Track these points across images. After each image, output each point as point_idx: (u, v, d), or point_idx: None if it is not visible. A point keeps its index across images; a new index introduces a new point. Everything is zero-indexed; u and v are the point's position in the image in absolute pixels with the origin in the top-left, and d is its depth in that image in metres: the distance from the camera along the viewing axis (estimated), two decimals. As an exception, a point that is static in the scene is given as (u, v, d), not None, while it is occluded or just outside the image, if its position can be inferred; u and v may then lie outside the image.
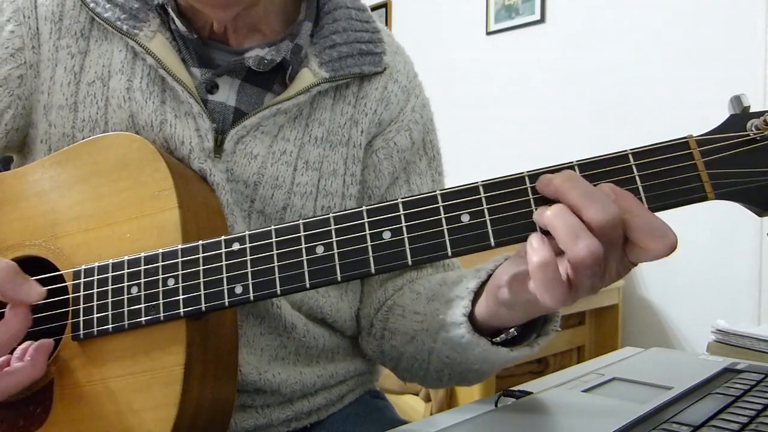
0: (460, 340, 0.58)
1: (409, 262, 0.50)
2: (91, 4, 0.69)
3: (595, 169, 0.49)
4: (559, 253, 0.47)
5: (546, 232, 0.48)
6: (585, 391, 0.64)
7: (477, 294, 0.59)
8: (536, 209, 0.49)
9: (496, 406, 0.60)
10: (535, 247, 0.47)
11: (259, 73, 0.71)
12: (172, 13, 0.70)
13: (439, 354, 0.64)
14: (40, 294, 0.55)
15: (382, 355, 0.75)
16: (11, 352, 0.56)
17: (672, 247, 0.45)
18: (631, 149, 0.48)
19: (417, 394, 2.07)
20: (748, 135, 0.47)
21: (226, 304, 0.54)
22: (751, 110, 0.48)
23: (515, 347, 0.58)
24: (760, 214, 0.49)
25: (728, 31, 2.24)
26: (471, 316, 0.59)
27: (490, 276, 0.58)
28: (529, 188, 0.49)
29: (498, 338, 0.59)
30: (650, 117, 2.34)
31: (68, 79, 0.70)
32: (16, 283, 0.54)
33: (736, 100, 0.49)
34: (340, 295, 0.76)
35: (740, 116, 0.48)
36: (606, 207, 0.45)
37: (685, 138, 0.48)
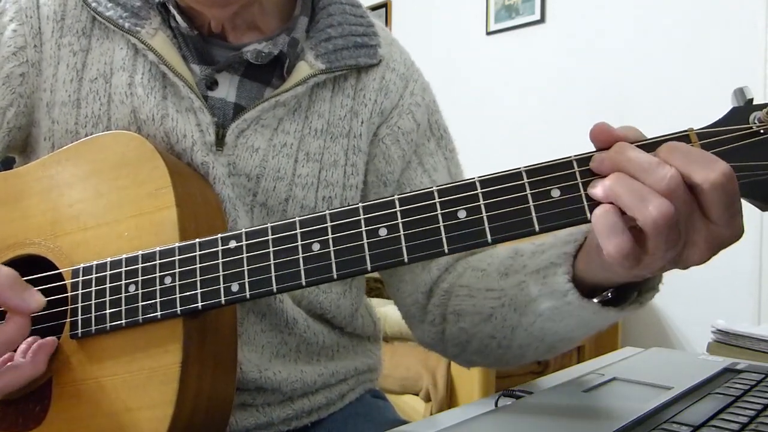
0: (566, 307, 0.56)
1: (406, 260, 0.50)
2: (93, 4, 0.70)
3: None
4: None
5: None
6: (585, 391, 0.63)
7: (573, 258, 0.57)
8: (533, 205, 0.48)
9: (496, 406, 0.60)
10: (599, 213, 0.46)
11: (257, 68, 0.71)
12: (173, 11, 0.70)
13: (530, 327, 0.62)
14: (39, 303, 0.54)
15: (442, 341, 0.73)
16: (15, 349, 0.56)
17: (725, 173, 0.43)
18: (632, 143, 0.48)
19: (417, 394, 2.07)
20: (751, 128, 0.46)
21: (223, 302, 0.54)
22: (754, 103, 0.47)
23: (623, 306, 0.56)
24: (762, 209, 0.48)
25: (728, 31, 2.24)
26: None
27: (586, 238, 0.56)
28: (526, 183, 0.48)
29: (598, 299, 0.56)
30: (650, 116, 2.34)
31: (70, 76, 0.70)
32: (16, 290, 0.53)
33: (740, 92, 0.48)
34: (344, 291, 0.76)
35: (743, 109, 0.47)
36: (664, 172, 0.44)
37: (686, 131, 0.48)
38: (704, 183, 0.44)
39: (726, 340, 1.09)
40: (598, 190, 0.47)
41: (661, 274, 0.56)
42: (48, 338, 0.57)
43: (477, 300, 0.67)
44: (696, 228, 0.46)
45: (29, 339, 0.57)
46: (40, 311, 0.55)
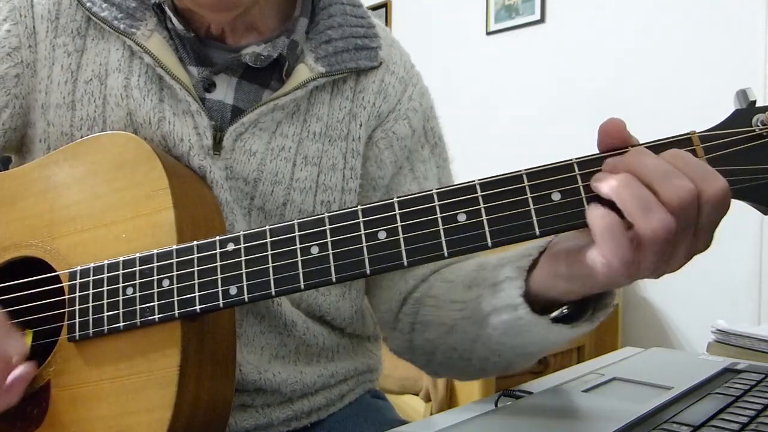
0: (518, 321, 0.56)
1: (405, 263, 0.49)
2: (88, 4, 0.69)
3: (595, 167, 0.48)
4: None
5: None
6: (585, 391, 0.63)
7: (528, 273, 0.57)
8: (533, 209, 0.48)
9: (496, 406, 0.60)
10: (600, 214, 0.45)
11: (256, 70, 0.71)
12: (169, 12, 0.70)
13: (487, 341, 0.62)
14: (20, 353, 0.55)
15: (411, 350, 0.73)
16: None
17: (722, 189, 0.44)
18: (632, 146, 0.47)
19: (417, 394, 2.07)
20: (754, 130, 0.46)
21: (221, 305, 0.54)
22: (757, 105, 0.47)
23: (574, 324, 0.56)
24: (765, 212, 0.48)
25: (728, 31, 2.24)
26: (526, 297, 0.56)
27: (541, 253, 0.56)
28: (527, 186, 0.48)
29: (552, 315, 0.57)
30: (650, 117, 2.33)
31: (65, 77, 0.70)
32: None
33: (742, 94, 0.47)
34: (343, 293, 0.76)
35: (745, 111, 0.47)
36: (681, 186, 0.43)
37: (688, 134, 0.47)
38: (709, 201, 0.44)
39: (726, 340, 1.09)
40: (602, 186, 0.46)
41: (616, 290, 0.56)
42: (23, 369, 0.55)
43: (442, 311, 0.67)
44: (685, 239, 0.46)
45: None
46: (21, 361, 0.55)
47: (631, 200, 0.44)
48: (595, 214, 0.45)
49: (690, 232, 0.45)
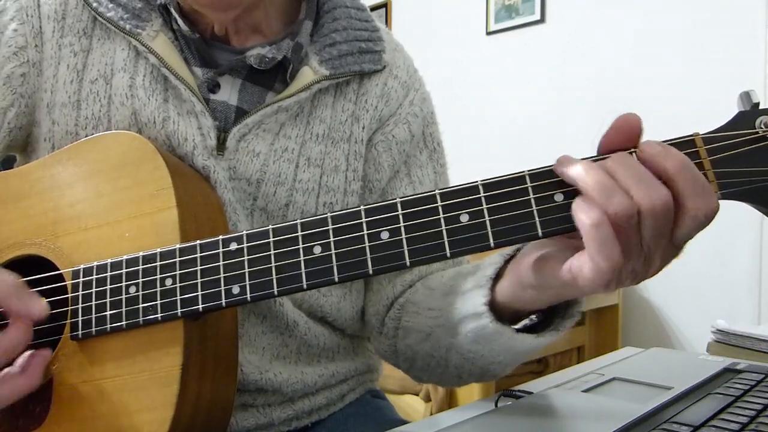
0: (483, 330, 0.57)
1: (408, 263, 0.49)
2: (94, 4, 0.70)
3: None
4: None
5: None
6: (585, 391, 0.63)
7: (495, 281, 0.57)
8: (536, 210, 0.48)
9: (496, 406, 0.60)
10: (585, 208, 0.45)
11: (260, 72, 0.71)
12: (174, 13, 0.70)
13: (460, 349, 0.62)
14: (42, 310, 0.54)
15: (395, 355, 0.74)
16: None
17: (714, 210, 0.44)
18: (635, 148, 0.48)
19: (417, 394, 2.07)
20: (757, 132, 0.46)
21: (223, 304, 0.54)
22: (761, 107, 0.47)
23: (540, 333, 0.56)
24: (767, 214, 0.48)
25: (728, 31, 2.24)
26: (492, 305, 0.57)
27: (507, 261, 0.57)
28: (529, 187, 0.48)
29: (519, 325, 0.57)
30: (651, 117, 2.31)
31: (71, 76, 0.70)
32: (19, 297, 0.53)
33: (746, 96, 0.47)
34: (344, 294, 0.76)
35: (748, 113, 0.47)
36: (655, 191, 0.44)
37: (691, 136, 0.47)
38: (691, 213, 0.44)
39: (726, 340, 1.09)
40: (569, 171, 0.47)
41: (583, 300, 0.57)
42: (41, 349, 0.55)
43: (420, 318, 0.68)
44: (660, 245, 0.46)
45: (26, 353, 0.55)
46: (44, 317, 0.55)
47: (594, 184, 0.45)
48: (585, 224, 0.45)
49: (665, 239, 0.46)
